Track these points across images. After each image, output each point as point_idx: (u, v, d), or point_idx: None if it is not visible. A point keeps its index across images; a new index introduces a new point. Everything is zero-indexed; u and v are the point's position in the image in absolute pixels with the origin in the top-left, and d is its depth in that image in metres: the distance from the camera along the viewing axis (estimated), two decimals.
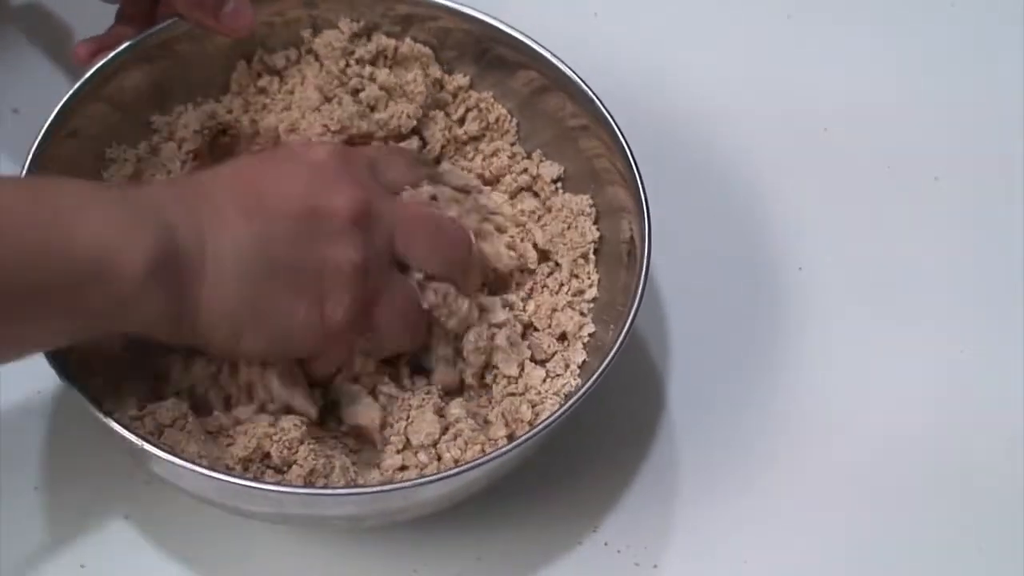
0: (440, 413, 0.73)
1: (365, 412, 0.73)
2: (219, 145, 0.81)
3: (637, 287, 0.72)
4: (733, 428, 0.79)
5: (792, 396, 0.80)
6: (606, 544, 0.76)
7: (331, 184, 0.69)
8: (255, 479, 0.69)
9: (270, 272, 0.67)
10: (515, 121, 0.82)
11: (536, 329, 0.77)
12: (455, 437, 0.73)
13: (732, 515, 0.77)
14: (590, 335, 0.77)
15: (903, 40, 0.93)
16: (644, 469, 0.78)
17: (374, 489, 0.69)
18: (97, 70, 0.76)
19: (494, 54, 0.81)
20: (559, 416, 0.69)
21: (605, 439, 0.78)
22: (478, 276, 0.76)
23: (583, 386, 0.70)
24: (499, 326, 0.75)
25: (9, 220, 0.61)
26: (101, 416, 0.67)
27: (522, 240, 0.80)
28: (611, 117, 0.77)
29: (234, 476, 0.69)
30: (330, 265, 0.68)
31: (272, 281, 0.67)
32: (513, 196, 0.81)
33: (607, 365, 0.70)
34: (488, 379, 0.76)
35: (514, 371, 0.75)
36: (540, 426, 0.69)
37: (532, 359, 0.76)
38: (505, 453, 0.69)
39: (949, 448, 0.79)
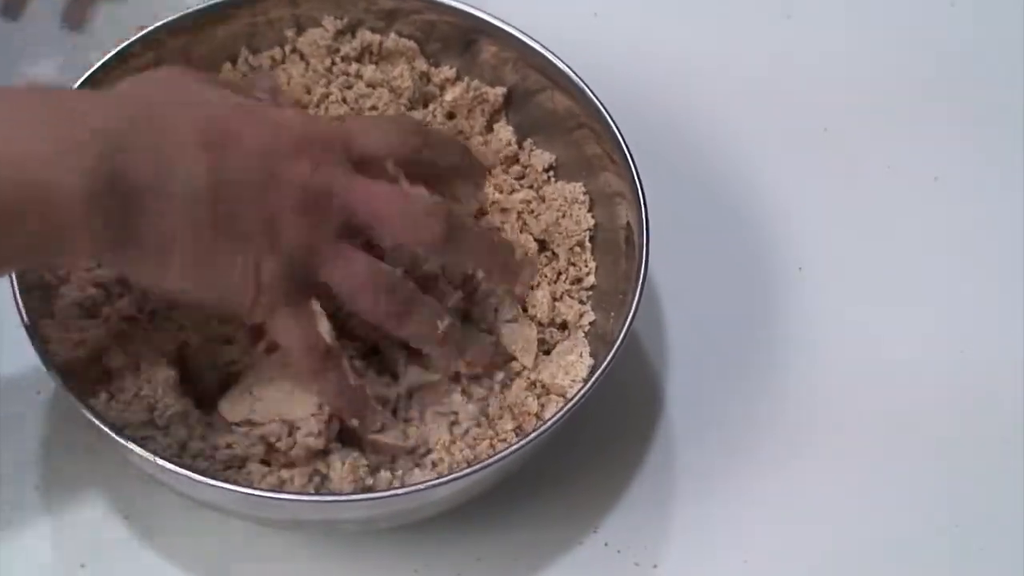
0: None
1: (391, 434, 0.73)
2: None
3: (639, 273, 0.72)
4: (733, 428, 0.79)
5: (791, 396, 0.80)
6: (606, 544, 0.76)
7: (293, 152, 0.67)
8: (273, 490, 0.70)
9: (216, 217, 0.65)
10: (504, 112, 0.82)
11: (541, 324, 0.77)
12: (464, 433, 0.73)
13: (732, 515, 0.77)
14: (591, 323, 0.77)
15: (903, 40, 0.93)
16: (644, 469, 0.78)
17: (389, 493, 0.69)
18: (87, 78, 0.76)
19: (479, 45, 0.81)
20: (575, 404, 0.69)
21: (605, 439, 0.78)
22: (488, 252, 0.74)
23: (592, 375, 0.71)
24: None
25: None
26: (113, 433, 0.67)
27: (521, 231, 0.80)
28: (599, 101, 0.77)
29: (253, 488, 0.69)
30: (274, 229, 0.66)
31: (216, 228, 0.65)
32: (504, 187, 0.81)
33: (617, 350, 0.70)
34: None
35: (529, 361, 0.76)
36: (557, 416, 0.69)
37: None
38: (521, 448, 0.68)
39: (949, 448, 0.79)
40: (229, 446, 0.70)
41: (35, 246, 0.63)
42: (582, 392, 0.70)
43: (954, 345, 0.82)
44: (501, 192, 0.80)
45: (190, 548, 0.75)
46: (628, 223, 0.76)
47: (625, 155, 0.75)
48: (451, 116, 0.81)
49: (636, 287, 0.72)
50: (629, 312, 0.71)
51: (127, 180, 0.63)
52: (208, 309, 0.71)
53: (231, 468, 0.70)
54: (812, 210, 0.86)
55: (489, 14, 0.79)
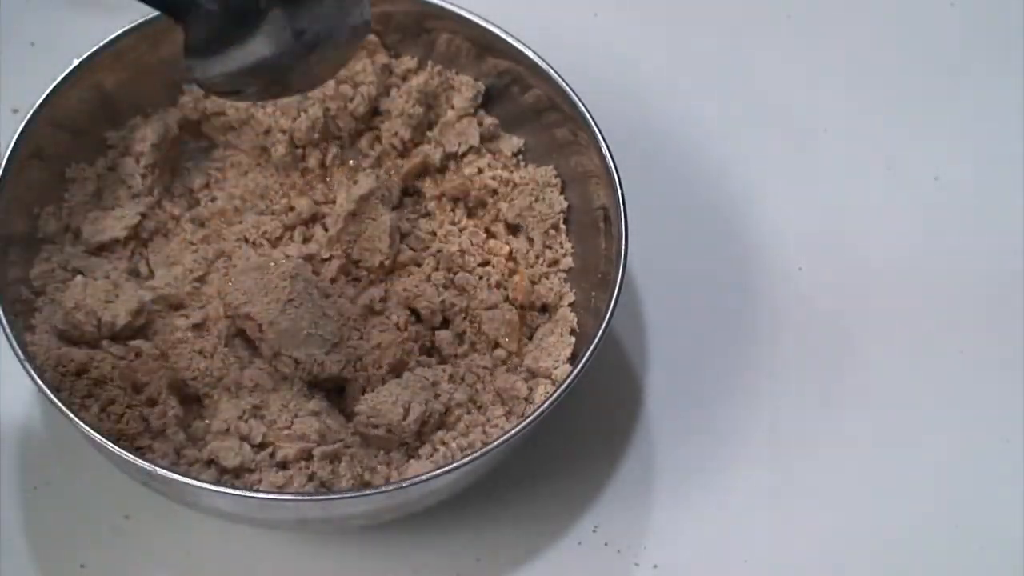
0: (436, 396, 0.73)
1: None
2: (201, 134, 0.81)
3: (619, 250, 0.73)
4: (734, 429, 0.79)
5: (795, 395, 0.80)
6: (606, 544, 0.76)
7: None
8: (277, 491, 0.70)
9: None
10: (468, 97, 0.81)
11: (523, 308, 0.77)
12: (456, 421, 0.73)
13: (732, 515, 0.77)
14: (570, 305, 0.77)
15: (903, 40, 0.93)
16: (644, 470, 0.78)
17: (391, 487, 0.68)
18: (50, 93, 0.75)
19: (438, 32, 0.80)
20: (568, 384, 0.69)
21: (604, 439, 0.78)
22: None
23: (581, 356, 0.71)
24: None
25: None
26: (111, 446, 0.67)
27: (494, 221, 0.80)
28: (564, 81, 0.76)
29: (254, 491, 0.69)
30: None
31: None
32: (474, 175, 0.80)
33: (605, 328, 0.70)
34: (479, 354, 0.76)
35: (513, 346, 0.76)
36: (551, 398, 0.69)
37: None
38: (519, 432, 0.68)
39: (948, 447, 0.80)
40: (222, 451, 0.71)
41: None
42: (575, 372, 0.70)
43: (953, 345, 0.82)
44: (470, 178, 0.80)
45: (191, 548, 0.75)
46: (604, 203, 0.76)
47: (599, 139, 0.75)
48: (418, 105, 0.80)
49: (619, 264, 0.72)
50: (614, 289, 0.71)
51: None
52: None
53: (227, 473, 0.71)
54: (812, 210, 0.86)
55: (447, 0, 0.79)
